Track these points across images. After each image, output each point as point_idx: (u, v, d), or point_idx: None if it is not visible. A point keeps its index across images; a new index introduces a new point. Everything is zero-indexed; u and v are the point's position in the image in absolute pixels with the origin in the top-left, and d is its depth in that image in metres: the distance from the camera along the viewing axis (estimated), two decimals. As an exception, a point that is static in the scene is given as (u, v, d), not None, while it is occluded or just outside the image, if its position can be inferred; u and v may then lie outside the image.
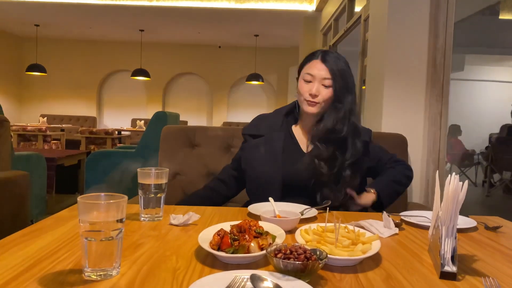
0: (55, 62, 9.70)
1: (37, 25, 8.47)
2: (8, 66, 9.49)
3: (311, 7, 6.33)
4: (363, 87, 3.30)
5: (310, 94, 1.39)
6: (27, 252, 0.82)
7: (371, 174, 1.54)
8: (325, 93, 1.39)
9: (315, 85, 1.39)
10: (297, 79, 1.50)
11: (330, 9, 5.34)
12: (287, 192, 1.36)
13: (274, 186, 1.37)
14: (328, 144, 1.39)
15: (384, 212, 1.09)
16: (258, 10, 6.53)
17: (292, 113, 1.55)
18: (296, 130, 1.52)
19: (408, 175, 1.53)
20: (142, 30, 8.55)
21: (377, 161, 1.53)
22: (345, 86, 1.40)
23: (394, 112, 2.31)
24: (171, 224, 1.06)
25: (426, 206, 2.06)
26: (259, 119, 1.58)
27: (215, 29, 8.21)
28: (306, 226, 0.95)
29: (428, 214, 1.22)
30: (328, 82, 1.38)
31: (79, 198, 0.72)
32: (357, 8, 4.10)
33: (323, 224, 0.94)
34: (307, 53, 1.51)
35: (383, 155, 1.56)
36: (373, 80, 2.58)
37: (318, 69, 1.40)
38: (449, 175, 0.83)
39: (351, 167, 1.39)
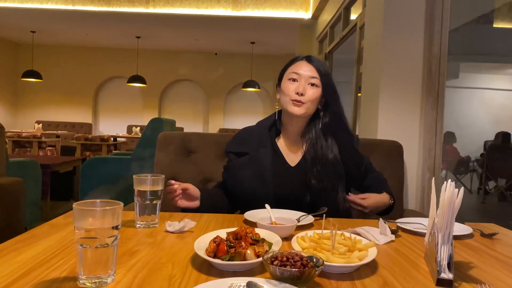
0: (51, 69, 9.69)
1: (33, 32, 8.46)
2: (3, 72, 9.46)
3: (307, 15, 6.37)
4: (359, 94, 3.31)
5: (297, 93, 1.33)
6: (21, 259, 0.81)
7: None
8: (312, 93, 1.33)
9: (301, 83, 1.34)
10: (278, 85, 1.44)
11: (326, 17, 5.37)
12: (282, 207, 1.29)
13: (268, 203, 1.30)
14: (318, 155, 1.34)
15: (381, 219, 1.09)
16: (255, 17, 6.56)
17: (275, 125, 1.47)
18: (280, 143, 1.45)
19: None
20: (138, 37, 8.56)
21: (357, 167, 1.45)
22: (332, 87, 1.36)
23: (390, 119, 2.31)
24: (167, 231, 1.06)
25: (422, 213, 2.07)
26: (242, 134, 1.50)
27: (212, 36, 8.23)
28: (302, 233, 0.95)
29: (424, 221, 1.22)
30: (315, 81, 1.34)
31: (74, 205, 0.71)
32: (353, 16, 4.13)
33: (319, 231, 0.94)
34: None
35: (360, 160, 1.47)
36: (369, 87, 2.59)
37: (304, 69, 1.35)
38: (445, 182, 0.84)
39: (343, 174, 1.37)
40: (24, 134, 6.98)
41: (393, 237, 1.06)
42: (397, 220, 1.24)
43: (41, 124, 8.80)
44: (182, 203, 1.27)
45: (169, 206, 1.74)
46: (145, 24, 7.36)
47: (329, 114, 1.37)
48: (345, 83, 4.91)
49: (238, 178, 1.38)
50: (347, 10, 4.32)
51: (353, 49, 3.55)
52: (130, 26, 7.66)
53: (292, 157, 1.41)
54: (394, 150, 1.99)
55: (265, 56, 9.56)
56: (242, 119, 10.19)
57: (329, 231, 0.89)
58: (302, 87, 1.33)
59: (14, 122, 9.80)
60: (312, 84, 1.34)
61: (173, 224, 1.06)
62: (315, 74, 1.34)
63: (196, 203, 1.30)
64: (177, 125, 5.93)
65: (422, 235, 1.12)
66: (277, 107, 1.46)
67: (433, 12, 2.24)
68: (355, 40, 3.49)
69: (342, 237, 0.91)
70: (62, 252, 0.86)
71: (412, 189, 2.27)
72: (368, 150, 1.92)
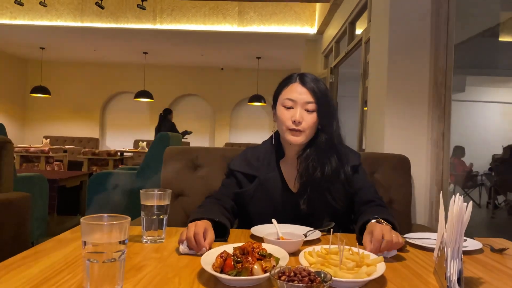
0: (59, 84, 9.81)
1: (42, 48, 8.61)
2: (13, 88, 9.60)
3: (312, 30, 6.43)
4: (365, 108, 3.32)
5: (294, 121, 1.27)
6: (29, 274, 0.81)
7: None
8: (310, 119, 1.27)
9: (297, 110, 1.27)
10: (273, 107, 1.39)
11: (331, 32, 5.41)
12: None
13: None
14: (316, 183, 1.28)
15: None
16: (260, 33, 6.63)
17: (278, 145, 1.41)
18: (283, 165, 1.39)
19: None
20: (145, 53, 8.66)
21: (357, 190, 1.35)
22: (329, 109, 1.30)
23: (397, 133, 2.31)
24: (182, 254, 0.99)
25: (430, 227, 2.04)
26: (249, 155, 1.44)
27: (218, 51, 8.32)
28: (309, 248, 0.94)
29: (432, 235, 1.21)
30: (311, 106, 1.27)
31: (82, 219, 0.72)
32: (358, 31, 4.16)
33: (327, 246, 0.93)
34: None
35: (367, 189, 1.37)
36: (375, 101, 2.59)
37: (299, 92, 1.28)
38: (453, 196, 0.83)
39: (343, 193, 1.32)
40: (32, 149, 7.03)
41: (395, 252, 1.03)
42: (405, 235, 1.22)
43: (48, 139, 8.87)
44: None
45: (176, 221, 1.74)
46: (152, 40, 7.46)
47: (324, 135, 1.31)
48: (351, 97, 4.92)
49: (247, 202, 1.34)
50: (352, 25, 4.35)
51: (358, 63, 3.56)
52: (137, 42, 7.76)
53: (294, 182, 1.36)
54: (401, 164, 1.97)
55: (270, 70, 9.62)
56: (248, 133, 10.21)
57: (337, 246, 0.88)
58: (298, 114, 1.27)
59: (23, 137, 9.90)
60: (310, 109, 1.28)
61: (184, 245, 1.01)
62: (310, 98, 1.27)
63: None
64: (183, 139, 5.95)
65: (431, 250, 1.11)
66: (274, 130, 1.43)
67: (439, 26, 2.25)
68: (361, 54, 3.51)
69: (350, 252, 0.90)
70: (69, 267, 0.86)
71: (420, 203, 2.24)
72: (375, 164, 1.91)
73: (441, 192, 1.17)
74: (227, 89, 10.10)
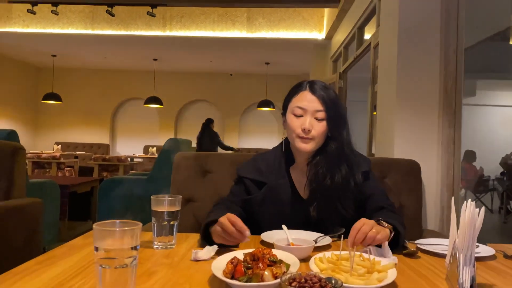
0: (71, 91, 9.93)
1: (54, 55, 8.73)
2: (25, 95, 9.74)
3: (320, 36, 6.44)
4: (374, 113, 3.30)
5: (303, 130, 1.27)
6: (42, 280, 0.82)
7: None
8: (319, 127, 1.28)
9: (307, 119, 1.27)
10: (283, 114, 1.39)
11: (339, 37, 5.41)
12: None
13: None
14: (326, 190, 1.28)
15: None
16: (269, 39, 6.66)
17: (288, 152, 1.40)
18: (293, 172, 1.39)
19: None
20: (155, 59, 8.74)
21: (368, 197, 1.34)
22: (339, 117, 1.30)
23: (407, 138, 2.30)
24: (196, 260, 0.99)
25: (442, 233, 2.02)
26: (259, 161, 1.43)
27: (227, 57, 8.36)
28: (320, 254, 0.94)
29: (443, 241, 1.20)
30: (321, 114, 1.28)
31: (94, 225, 0.72)
32: (367, 36, 4.16)
33: (337, 252, 0.93)
34: (317, 79, 1.45)
35: (378, 196, 1.35)
36: (384, 106, 2.58)
37: (309, 100, 1.29)
38: (465, 202, 0.82)
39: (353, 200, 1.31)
40: (43, 155, 7.12)
41: (395, 259, 0.99)
42: (416, 241, 1.21)
43: (60, 145, 8.97)
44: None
45: (186, 227, 1.74)
46: (162, 46, 7.53)
47: (334, 143, 1.31)
48: (360, 101, 4.90)
49: (257, 213, 1.33)
50: (360, 30, 4.35)
51: (367, 67, 3.56)
52: (147, 49, 7.84)
53: (303, 188, 1.36)
54: (411, 169, 1.96)
55: (279, 76, 9.64)
56: (257, 138, 10.22)
57: (347, 252, 0.88)
58: (308, 122, 1.27)
59: (34, 144, 10.02)
60: (319, 118, 1.28)
61: (199, 252, 1.00)
62: (320, 106, 1.28)
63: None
64: (193, 145, 5.98)
65: (442, 256, 1.10)
66: (283, 136, 1.42)
67: (449, 30, 2.24)
68: (370, 59, 3.50)
69: (361, 258, 0.90)
70: (82, 273, 0.87)
71: (431, 209, 2.23)
72: (385, 169, 1.90)
73: (453, 197, 1.16)
74: (236, 94, 10.14)
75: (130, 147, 10.19)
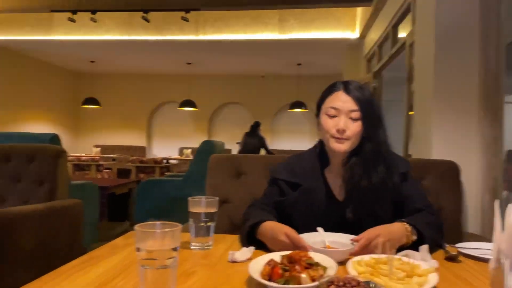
0: (108, 95, 10.26)
1: (92, 61, 9.05)
2: (66, 100, 10.15)
3: (353, 35, 6.35)
4: (411, 113, 3.23)
5: (338, 130, 1.25)
6: (87, 278, 0.86)
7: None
8: (354, 127, 1.25)
9: (341, 119, 1.25)
10: (317, 115, 1.37)
11: (373, 36, 5.33)
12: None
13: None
14: (363, 191, 1.25)
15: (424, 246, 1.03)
16: (301, 40, 6.63)
17: (323, 153, 1.38)
18: (329, 174, 1.37)
19: (441, 235, 1.23)
20: (189, 63, 8.89)
21: (405, 198, 1.31)
22: (374, 116, 1.28)
23: (445, 138, 2.23)
24: (233, 261, 1.00)
25: (483, 236, 1.95)
26: (293, 162, 1.42)
27: (259, 59, 8.40)
28: (358, 258, 0.93)
29: (486, 245, 1.16)
30: (356, 114, 1.25)
31: (136, 227, 0.75)
32: (402, 34, 4.07)
33: (375, 255, 0.92)
34: (351, 79, 1.43)
35: (416, 198, 1.32)
36: (421, 105, 2.52)
37: (343, 100, 1.26)
38: (509, 205, 0.79)
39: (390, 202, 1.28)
40: (83, 158, 7.39)
41: (435, 263, 0.96)
42: (457, 245, 1.18)
43: (99, 148, 9.28)
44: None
45: (221, 228, 1.76)
46: (195, 50, 7.66)
47: (370, 144, 1.28)
48: (395, 101, 4.80)
49: (291, 215, 1.32)
50: (395, 28, 4.26)
51: (403, 67, 3.48)
52: (181, 53, 8.00)
53: (339, 190, 1.34)
54: (450, 171, 1.90)
55: (311, 76, 9.58)
56: (289, 140, 10.19)
57: (386, 255, 0.86)
58: (342, 123, 1.25)
59: (75, 147, 10.41)
60: (354, 117, 1.26)
61: (236, 253, 1.02)
62: (355, 106, 1.25)
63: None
64: (226, 147, 6.04)
65: (485, 260, 1.06)
66: (317, 138, 1.40)
67: (488, 26, 2.16)
68: (405, 58, 3.42)
69: (400, 262, 0.88)
70: (124, 272, 0.90)
71: (471, 211, 2.15)
72: (422, 171, 1.85)
73: (496, 200, 1.12)
74: (268, 96, 10.16)
75: (165, 149, 10.42)
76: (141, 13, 5.57)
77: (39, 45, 7.56)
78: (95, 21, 5.85)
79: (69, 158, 6.98)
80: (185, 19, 5.52)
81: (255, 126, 7.88)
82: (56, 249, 2.30)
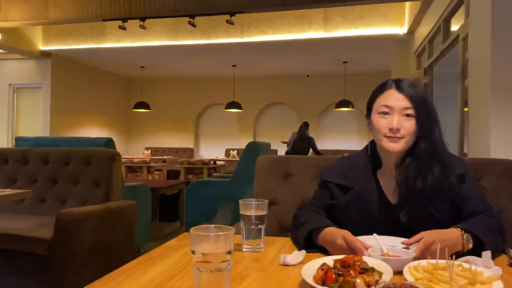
0: (158, 99, 10.62)
1: (142, 67, 9.40)
2: (118, 105, 10.62)
3: (402, 30, 6.15)
4: (466, 109, 3.08)
5: (391, 129, 1.20)
6: (145, 279, 0.89)
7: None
8: (409, 125, 1.21)
9: (395, 117, 1.20)
10: (367, 116, 1.33)
11: (423, 31, 5.14)
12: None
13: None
14: (418, 194, 1.20)
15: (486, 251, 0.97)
16: (347, 37, 6.51)
17: (374, 155, 1.33)
18: (380, 175, 1.32)
19: (503, 239, 1.15)
20: (234, 65, 9.00)
21: (463, 200, 1.24)
22: (429, 115, 1.22)
23: (505, 136, 2.11)
24: (285, 265, 0.99)
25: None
26: (343, 165, 1.38)
27: (304, 59, 8.34)
28: (415, 263, 0.89)
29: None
30: (410, 111, 1.21)
31: (191, 230, 0.77)
32: (454, 28, 3.89)
33: (434, 261, 0.88)
34: (400, 76, 1.38)
35: (475, 200, 1.25)
36: (477, 102, 2.40)
37: (396, 99, 1.22)
38: None
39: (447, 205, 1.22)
40: (135, 160, 7.69)
41: (499, 270, 0.89)
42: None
43: (149, 150, 9.61)
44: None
45: (270, 230, 1.77)
46: (240, 52, 7.74)
47: (425, 143, 1.23)
48: (448, 97, 4.59)
49: (341, 218, 1.28)
50: (446, 22, 4.08)
51: (455, 62, 3.33)
52: (227, 56, 8.11)
53: (392, 193, 1.29)
54: (510, 171, 1.79)
55: (358, 74, 9.39)
56: (336, 140, 10.05)
57: (445, 261, 0.83)
58: (396, 121, 1.20)
59: (127, 149, 10.86)
60: (408, 115, 1.21)
61: (288, 257, 1.01)
62: (408, 104, 1.21)
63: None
64: (271, 147, 6.05)
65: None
66: (368, 139, 1.35)
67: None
68: (458, 52, 3.27)
69: (460, 268, 0.84)
70: (179, 274, 0.92)
71: (537, 213, 2.01)
72: (480, 171, 1.76)
73: None
74: (313, 95, 10.08)
75: (212, 150, 10.63)
76: (187, 19, 5.70)
77: (92, 53, 7.96)
78: (144, 28, 6.05)
79: (122, 160, 7.28)
80: (230, 22, 5.59)
81: (304, 127, 7.86)
82: (112, 248, 2.41)
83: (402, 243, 1.06)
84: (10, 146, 7.83)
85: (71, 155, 2.78)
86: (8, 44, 6.92)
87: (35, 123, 8.28)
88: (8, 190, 2.07)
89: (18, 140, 3.55)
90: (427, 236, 1.04)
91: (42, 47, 7.81)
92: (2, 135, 8.30)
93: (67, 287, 2.01)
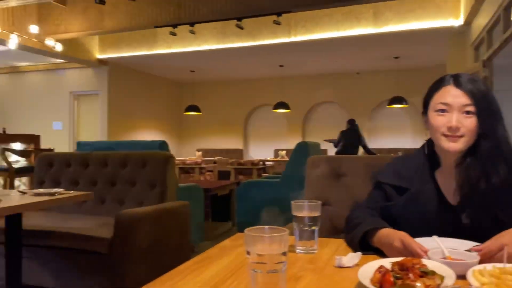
0: (208, 102, 10.85)
1: (192, 71, 9.65)
2: (171, 109, 11.00)
3: (458, 22, 5.86)
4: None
5: (450, 128, 1.14)
6: (202, 279, 0.91)
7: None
8: (469, 123, 1.13)
9: (453, 115, 1.14)
10: (423, 113, 1.26)
11: (481, 21, 4.86)
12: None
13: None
14: (481, 194, 1.13)
15: None
16: (398, 32, 6.31)
17: (432, 155, 1.27)
18: (440, 177, 1.25)
19: None
20: (281, 66, 9.00)
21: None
22: (491, 111, 1.15)
23: None
24: (340, 267, 0.98)
25: None
26: (398, 165, 1.33)
27: (352, 56, 8.19)
28: (479, 266, 0.85)
29: None
30: (470, 108, 1.13)
31: (246, 231, 0.78)
32: (516, 16, 3.65)
33: (501, 265, 0.83)
34: (456, 70, 1.31)
35: None
36: (545, 95, 2.23)
37: (454, 95, 1.15)
38: None
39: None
40: (187, 162, 7.90)
41: None
42: None
43: (201, 152, 9.84)
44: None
45: (322, 230, 1.75)
46: (288, 52, 7.73)
47: (487, 141, 1.16)
48: (509, 91, 4.32)
49: (397, 220, 1.23)
50: (507, 10, 3.84)
51: (519, 52, 3.12)
52: (274, 56, 8.13)
53: (452, 193, 1.22)
54: None
55: (411, 70, 9.06)
56: (389, 138, 9.76)
57: (513, 265, 0.78)
58: (455, 119, 1.14)
59: (180, 151, 11.19)
60: (468, 112, 1.14)
61: (343, 259, 0.99)
62: (468, 100, 1.14)
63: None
64: (321, 147, 5.99)
65: None
66: (425, 137, 1.30)
67: None
68: (522, 42, 3.07)
69: (530, 274, 0.79)
70: (235, 274, 0.94)
71: None
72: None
73: None
74: (363, 93, 9.85)
75: (261, 151, 10.70)
76: (234, 22, 5.78)
77: (145, 59, 8.29)
78: (193, 33, 6.22)
79: (176, 162, 7.51)
80: (277, 23, 5.61)
81: (351, 124, 7.66)
82: (168, 247, 2.49)
83: (471, 249, 0.99)
84: (72, 150, 8.31)
85: (128, 158, 2.90)
86: (68, 54, 7.36)
87: (94, 128, 8.75)
88: (71, 192, 2.19)
89: (79, 144, 3.77)
90: (495, 241, 0.97)
91: (99, 56, 8.24)
92: (65, 140, 8.84)
93: (125, 285, 2.10)
